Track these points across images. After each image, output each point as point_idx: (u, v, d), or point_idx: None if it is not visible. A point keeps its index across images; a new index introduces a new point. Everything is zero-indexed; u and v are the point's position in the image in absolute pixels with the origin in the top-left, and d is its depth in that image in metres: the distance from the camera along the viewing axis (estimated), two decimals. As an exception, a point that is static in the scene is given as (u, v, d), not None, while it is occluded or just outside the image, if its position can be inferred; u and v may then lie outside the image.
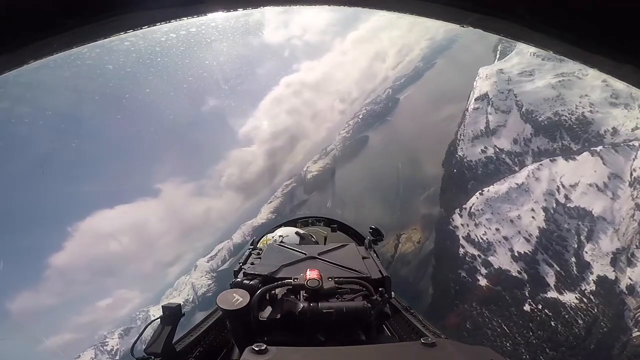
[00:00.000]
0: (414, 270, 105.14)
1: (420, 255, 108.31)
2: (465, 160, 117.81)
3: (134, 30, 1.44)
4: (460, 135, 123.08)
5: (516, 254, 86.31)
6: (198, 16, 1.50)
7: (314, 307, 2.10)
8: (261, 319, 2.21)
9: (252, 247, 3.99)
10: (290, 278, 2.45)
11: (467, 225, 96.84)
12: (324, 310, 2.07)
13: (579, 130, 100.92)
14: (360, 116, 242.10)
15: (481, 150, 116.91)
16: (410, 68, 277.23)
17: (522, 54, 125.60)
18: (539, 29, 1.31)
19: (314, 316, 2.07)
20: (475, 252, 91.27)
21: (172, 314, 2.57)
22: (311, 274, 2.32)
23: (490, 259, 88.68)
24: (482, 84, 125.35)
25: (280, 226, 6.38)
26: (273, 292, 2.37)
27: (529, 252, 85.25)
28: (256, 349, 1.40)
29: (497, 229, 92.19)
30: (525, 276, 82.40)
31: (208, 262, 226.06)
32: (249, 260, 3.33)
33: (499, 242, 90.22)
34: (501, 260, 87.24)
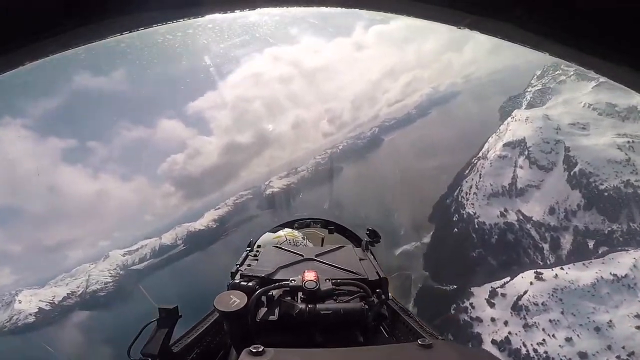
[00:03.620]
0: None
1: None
2: (476, 220, 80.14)
3: (131, 31, 1.38)
4: (473, 187, 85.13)
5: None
6: (195, 18, 1.45)
7: (312, 309, 1.97)
8: (258, 320, 2.05)
9: (249, 248, 3.46)
10: (288, 280, 2.23)
11: (506, 322, 58.11)
12: (322, 312, 1.95)
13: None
14: (340, 147, 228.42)
15: (500, 212, 79.80)
16: (403, 112, 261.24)
17: (571, 104, 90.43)
18: (536, 30, 1.24)
19: (312, 318, 1.94)
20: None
21: (169, 316, 2.31)
22: (308, 276, 2.17)
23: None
24: (518, 127, 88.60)
25: (277, 227, 4.82)
26: (270, 293, 2.18)
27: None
28: (253, 350, 1.35)
29: (569, 339, 53.08)
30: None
31: (124, 255, 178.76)
32: (246, 262, 2.96)
33: (570, 362, 51.70)
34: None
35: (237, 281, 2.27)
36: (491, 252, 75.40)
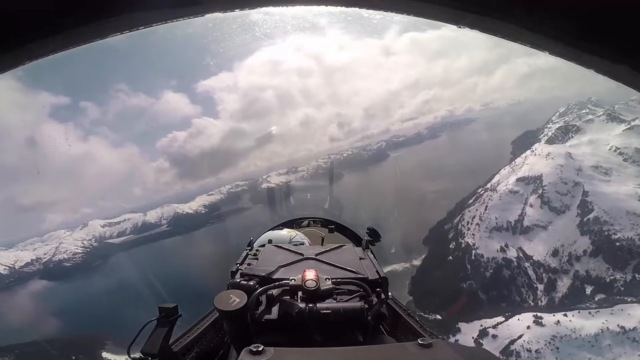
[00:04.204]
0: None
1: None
2: (474, 251, 74.30)
3: (130, 31, 1.37)
4: (476, 217, 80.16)
5: None
6: (195, 17, 1.43)
7: (312, 308, 1.99)
8: (258, 319, 2.09)
9: (249, 247, 3.51)
10: (288, 279, 2.26)
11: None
12: (322, 311, 1.97)
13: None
14: (345, 155, 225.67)
15: (501, 247, 73.91)
16: (414, 131, 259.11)
17: (596, 145, 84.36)
18: (536, 30, 1.23)
19: (312, 317, 1.97)
20: None
21: (169, 315, 2.42)
22: (308, 275, 2.18)
23: None
24: (537, 162, 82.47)
25: (277, 227, 5.10)
26: (270, 292, 2.20)
27: None
28: (253, 349, 1.38)
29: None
30: None
31: (104, 227, 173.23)
32: (246, 261, 3.01)
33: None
34: None
35: (237, 280, 2.27)
36: (482, 286, 70.06)
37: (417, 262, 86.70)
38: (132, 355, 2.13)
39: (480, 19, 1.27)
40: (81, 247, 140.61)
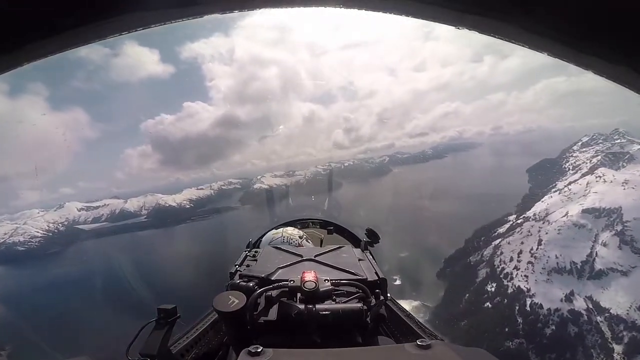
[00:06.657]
0: None
1: None
2: (530, 300, 53.07)
3: (129, 32, 1.33)
4: (525, 253, 60.40)
5: None
6: (194, 18, 1.41)
7: (310, 309, 1.93)
8: (257, 321, 2.04)
9: (247, 249, 3.37)
10: (287, 280, 2.20)
11: None
12: (320, 313, 1.92)
13: None
14: (346, 164, 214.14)
15: (565, 296, 53.47)
16: (419, 149, 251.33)
17: None
18: (536, 30, 1.19)
19: (310, 318, 1.91)
20: None
21: (168, 316, 2.36)
22: (308, 276, 2.12)
23: None
24: (611, 191, 62.83)
25: (275, 228, 4.60)
26: (269, 294, 2.16)
27: None
28: (252, 351, 1.35)
29: None
30: None
31: (80, 210, 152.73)
32: (245, 262, 2.91)
33: None
34: None
35: (236, 281, 2.25)
36: (537, 346, 49.92)
37: (430, 304, 66.16)
38: (130, 357, 2.04)
39: (480, 20, 1.22)
40: (44, 230, 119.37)
